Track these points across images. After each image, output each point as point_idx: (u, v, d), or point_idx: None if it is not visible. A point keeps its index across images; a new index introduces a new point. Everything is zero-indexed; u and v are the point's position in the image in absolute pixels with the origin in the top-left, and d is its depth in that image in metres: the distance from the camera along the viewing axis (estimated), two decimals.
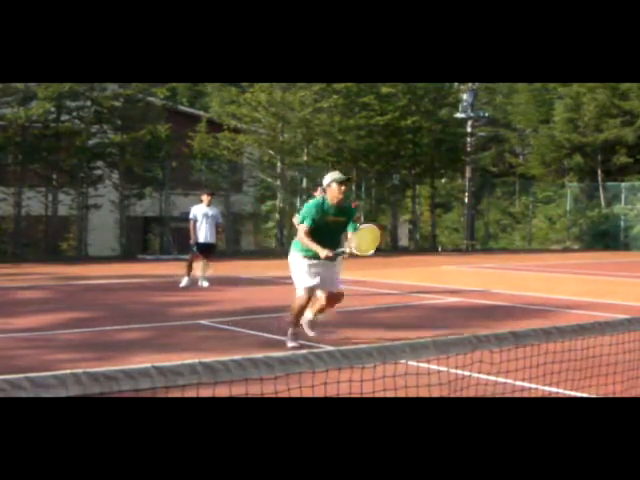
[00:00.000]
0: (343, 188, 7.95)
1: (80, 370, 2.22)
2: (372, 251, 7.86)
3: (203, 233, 14.18)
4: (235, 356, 2.47)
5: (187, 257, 14.84)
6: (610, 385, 4.84)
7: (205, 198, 14.47)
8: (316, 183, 22.54)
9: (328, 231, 7.95)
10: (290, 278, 8.42)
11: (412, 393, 3.56)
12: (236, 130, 28.68)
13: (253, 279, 16.32)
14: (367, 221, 29.82)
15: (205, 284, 14.04)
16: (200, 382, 2.39)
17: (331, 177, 8.05)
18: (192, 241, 14.23)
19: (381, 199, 31.20)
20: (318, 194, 12.05)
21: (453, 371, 4.30)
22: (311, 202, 8.23)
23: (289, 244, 8.92)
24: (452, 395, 4.16)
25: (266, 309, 11.24)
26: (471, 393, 4.46)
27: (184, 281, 14.06)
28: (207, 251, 14.29)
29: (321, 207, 8.00)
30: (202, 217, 14.20)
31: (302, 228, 7.94)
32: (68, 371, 2.20)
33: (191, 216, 14.34)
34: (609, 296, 13.27)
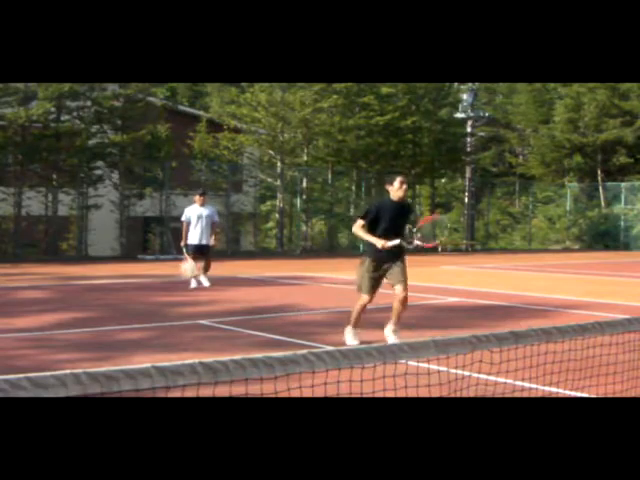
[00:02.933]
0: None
1: (80, 370, 2.22)
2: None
3: (198, 235, 13.93)
4: (235, 356, 2.47)
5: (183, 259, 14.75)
6: (610, 385, 4.83)
7: (197, 199, 14.34)
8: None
9: None
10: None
11: (412, 393, 3.56)
12: (236, 130, 28.69)
13: (253, 279, 16.31)
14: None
15: (206, 283, 13.98)
16: (200, 382, 2.39)
17: None
18: (182, 243, 14.13)
19: None
20: None
21: (453, 371, 4.30)
22: None
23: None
24: (452, 395, 4.16)
25: (266, 309, 11.24)
26: (471, 393, 4.45)
27: (192, 283, 13.95)
28: (202, 253, 14.14)
29: None
30: (196, 218, 13.96)
31: None
32: (68, 371, 2.20)
33: (183, 218, 14.12)
34: (609, 296, 13.26)
